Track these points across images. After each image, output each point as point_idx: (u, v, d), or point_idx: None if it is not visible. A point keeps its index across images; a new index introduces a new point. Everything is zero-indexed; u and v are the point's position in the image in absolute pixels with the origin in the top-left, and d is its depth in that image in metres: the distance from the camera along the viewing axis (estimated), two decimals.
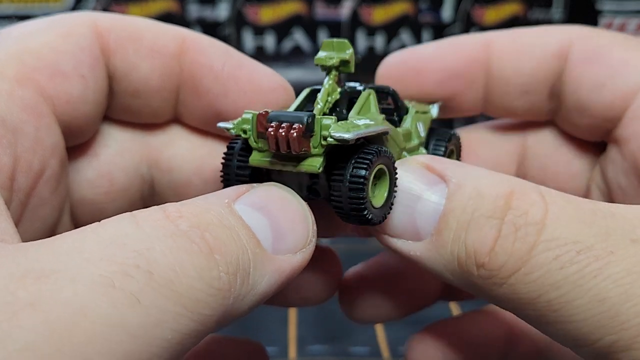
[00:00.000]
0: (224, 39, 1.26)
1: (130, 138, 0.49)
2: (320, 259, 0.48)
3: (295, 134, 0.37)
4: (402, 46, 1.27)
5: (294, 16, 1.27)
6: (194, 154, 0.50)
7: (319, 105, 0.42)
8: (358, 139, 0.38)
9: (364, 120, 0.41)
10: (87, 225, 0.32)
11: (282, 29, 1.27)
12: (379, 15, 1.27)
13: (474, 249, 0.37)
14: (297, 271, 0.38)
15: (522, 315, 0.37)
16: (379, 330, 0.92)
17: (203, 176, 0.49)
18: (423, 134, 0.48)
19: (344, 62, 0.44)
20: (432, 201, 0.39)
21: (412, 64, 0.53)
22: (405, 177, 0.40)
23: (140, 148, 0.50)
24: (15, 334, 0.26)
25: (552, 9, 1.29)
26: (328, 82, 0.43)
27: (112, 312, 0.28)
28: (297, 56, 1.28)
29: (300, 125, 0.37)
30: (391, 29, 1.27)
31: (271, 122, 0.38)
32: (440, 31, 1.28)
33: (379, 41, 1.27)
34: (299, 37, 1.28)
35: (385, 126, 0.42)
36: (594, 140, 0.52)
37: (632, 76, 0.47)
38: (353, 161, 0.38)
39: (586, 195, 0.53)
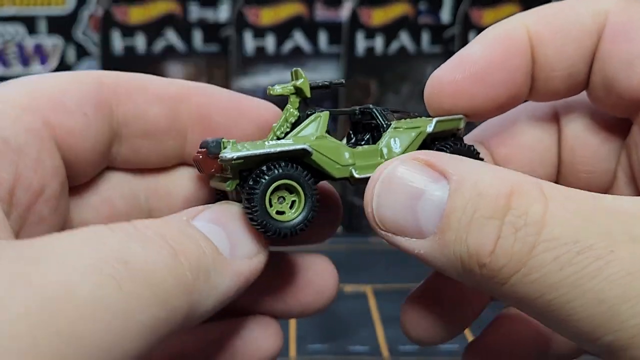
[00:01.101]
0: (225, 40, 1.26)
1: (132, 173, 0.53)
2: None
3: (200, 156, 0.44)
4: (401, 47, 1.27)
5: (294, 17, 1.27)
6: (192, 178, 0.52)
7: (275, 129, 0.47)
8: (273, 159, 0.43)
9: (278, 141, 0.44)
10: (66, 230, 0.36)
11: (283, 30, 1.27)
12: (379, 16, 1.28)
13: (476, 250, 0.37)
14: (255, 273, 0.42)
15: (525, 312, 0.38)
16: (379, 329, 0.92)
17: (200, 202, 0.51)
18: (398, 149, 0.47)
19: (298, 89, 0.47)
20: (435, 199, 0.39)
21: (472, 71, 0.49)
22: (407, 174, 0.41)
23: (140, 178, 0.53)
24: (9, 305, 0.29)
25: None
26: (287, 107, 0.47)
27: (98, 294, 0.32)
28: (297, 57, 1.29)
29: (205, 149, 0.44)
30: (390, 31, 1.28)
31: (200, 148, 0.45)
32: (439, 33, 1.29)
33: (378, 42, 1.28)
34: (299, 39, 1.28)
35: (300, 145, 0.44)
36: (621, 116, 0.51)
37: None
38: (251, 177, 0.42)
39: (613, 179, 0.52)
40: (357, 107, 0.51)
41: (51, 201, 0.44)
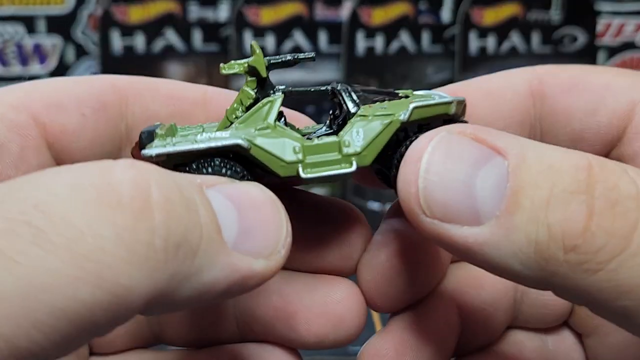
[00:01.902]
0: (225, 40, 1.26)
1: None
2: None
3: (134, 149, 0.40)
4: (402, 47, 1.27)
5: (294, 17, 1.27)
6: None
7: (229, 113, 0.42)
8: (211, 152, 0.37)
9: (211, 134, 0.38)
10: (19, 177, 0.30)
11: (283, 30, 1.27)
12: (379, 16, 1.27)
13: (561, 230, 0.32)
14: (254, 280, 0.33)
15: (609, 309, 0.33)
16: (379, 329, 0.92)
17: None
18: (360, 143, 0.40)
19: (252, 68, 0.41)
20: (492, 176, 0.33)
21: None
22: (458, 149, 0.35)
23: None
24: None
25: (551, 10, 1.29)
26: (243, 88, 0.42)
27: None
28: None
29: (138, 141, 0.40)
30: (390, 30, 1.27)
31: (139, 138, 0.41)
32: (439, 32, 1.28)
33: (379, 42, 1.27)
34: (299, 38, 1.28)
35: (232, 141, 0.38)
36: None
37: (622, 94, 0.45)
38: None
39: None
40: (325, 87, 0.43)
41: None
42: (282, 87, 0.42)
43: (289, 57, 0.42)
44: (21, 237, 0.26)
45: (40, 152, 0.43)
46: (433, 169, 0.34)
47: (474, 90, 0.47)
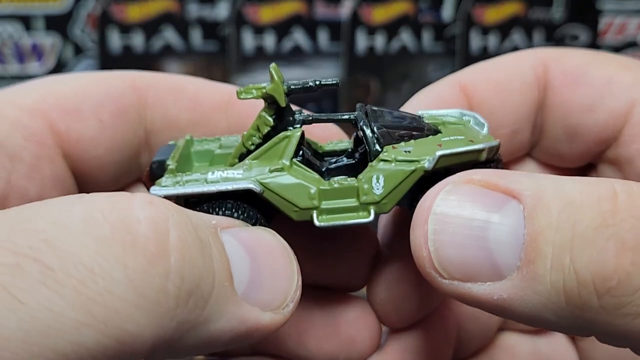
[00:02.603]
0: (224, 38, 1.25)
1: None
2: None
3: (145, 177, 0.39)
4: (403, 46, 1.26)
5: (294, 16, 1.26)
6: None
7: (245, 139, 0.40)
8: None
9: (222, 173, 0.36)
10: (30, 203, 0.28)
11: (282, 28, 1.26)
12: (379, 14, 1.26)
13: (591, 273, 0.28)
14: (259, 333, 0.32)
15: None
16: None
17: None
18: (379, 191, 0.37)
19: (270, 96, 0.38)
20: (507, 225, 0.31)
21: None
22: (464, 202, 0.32)
23: None
24: None
25: (553, 8, 1.28)
26: (261, 113, 0.40)
27: None
28: (297, 56, 1.27)
29: (148, 170, 0.39)
30: (391, 29, 1.27)
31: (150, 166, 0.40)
32: (440, 31, 1.28)
33: (379, 41, 1.27)
34: (298, 37, 1.27)
35: (244, 184, 0.36)
36: (579, 165, 0.49)
37: (621, 93, 0.44)
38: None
39: None
40: (349, 115, 0.40)
41: None
42: (303, 114, 0.40)
43: (310, 83, 0.40)
44: (28, 275, 0.24)
45: (55, 162, 0.41)
46: (441, 228, 0.32)
47: (484, 83, 0.46)
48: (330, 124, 0.44)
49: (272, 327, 0.32)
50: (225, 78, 1.24)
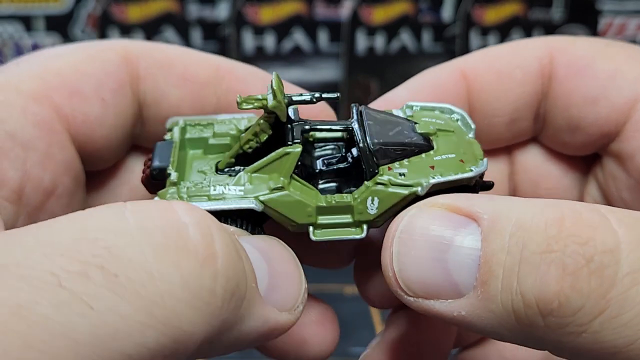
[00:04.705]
0: (224, 39, 1.25)
1: None
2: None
3: (144, 177, 0.40)
4: (402, 46, 1.26)
5: (294, 16, 1.26)
6: None
7: (243, 141, 0.41)
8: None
9: (225, 189, 0.38)
10: (77, 212, 0.29)
11: (282, 29, 1.26)
12: (379, 15, 1.27)
13: (535, 296, 0.30)
14: (277, 332, 0.34)
15: None
16: (379, 330, 0.91)
17: None
18: (373, 211, 0.40)
19: (271, 111, 0.40)
20: (466, 247, 0.32)
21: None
22: (427, 225, 0.34)
23: None
24: None
25: (552, 8, 1.28)
26: (259, 121, 0.41)
27: (54, 316, 0.24)
28: (297, 56, 1.28)
29: (147, 173, 0.40)
30: (391, 29, 1.27)
31: (147, 165, 0.41)
32: (440, 31, 1.28)
33: (379, 41, 1.27)
34: (299, 37, 1.27)
35: (244, 204, 0.38)
36: (584, 154, 0.49)
37: (625, 88, 0.44)
38: None
39: None
40: (345, 125, 0.42)
41: (64, 198, 0.40)
42: (301, 123, 0.41)
43: (310, 96, 0.41)
44: (94, 281, 0.25)
45: (65, 147, 0.41)
46: (404, 250, 0.34)
47: (485, 71, 0.47)
48: (322, 102, 0.46)
49: (287, 326, 0.34)
50: None
